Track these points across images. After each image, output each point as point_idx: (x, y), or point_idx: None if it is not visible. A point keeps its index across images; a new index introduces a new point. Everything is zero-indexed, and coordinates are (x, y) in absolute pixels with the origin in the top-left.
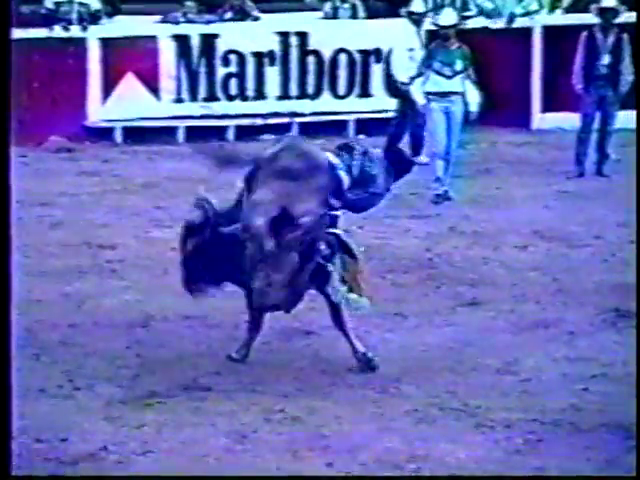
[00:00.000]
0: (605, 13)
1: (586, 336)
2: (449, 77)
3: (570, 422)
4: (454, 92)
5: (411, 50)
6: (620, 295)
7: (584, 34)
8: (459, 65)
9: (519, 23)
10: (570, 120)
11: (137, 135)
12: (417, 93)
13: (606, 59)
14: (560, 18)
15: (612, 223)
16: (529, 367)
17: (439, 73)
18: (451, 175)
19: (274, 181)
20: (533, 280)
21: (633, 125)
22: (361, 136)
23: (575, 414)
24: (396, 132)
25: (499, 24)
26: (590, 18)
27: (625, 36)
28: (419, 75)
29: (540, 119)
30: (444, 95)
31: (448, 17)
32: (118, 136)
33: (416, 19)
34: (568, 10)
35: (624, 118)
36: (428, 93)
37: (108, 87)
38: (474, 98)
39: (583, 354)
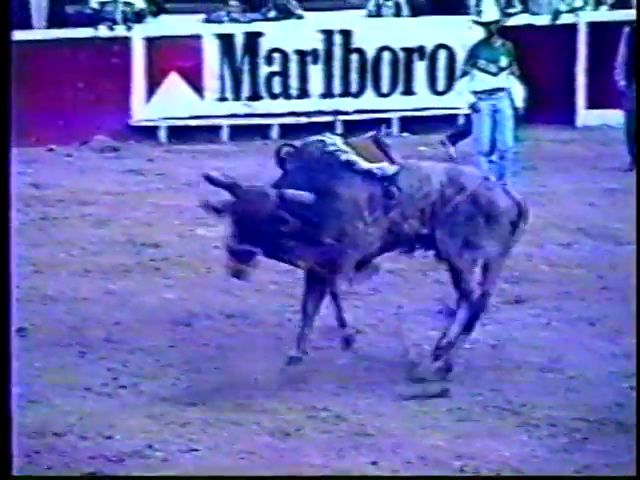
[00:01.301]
0: None
1: (631, 333)
2: (494, 74)
3: (615, 420)
4: (500, 89)
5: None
6: None
7: (626, 30)
8: (504, 61)
9: (564, 19)
10: (615, 116)
11: (181, 134)
12: (466, 92)
13: None
14: (605, 14)
15: None
16: (574, 365)
17: (484, 70)
18: (506, 174)
19: None
20: (577, 277)
21: None
22: (405, 134)
23: (620, 412)
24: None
25: (544, 21)
26: (635, 14)
27: None
28: (464, 74)
29: (585, 115)
30: (491, 92)
31: (490, 13)
32: (162, 135)
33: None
34: (613, 6)
35: None
36: (475, 92)
37: (152, 86)
38: (519, 93)
39: (628, 351)
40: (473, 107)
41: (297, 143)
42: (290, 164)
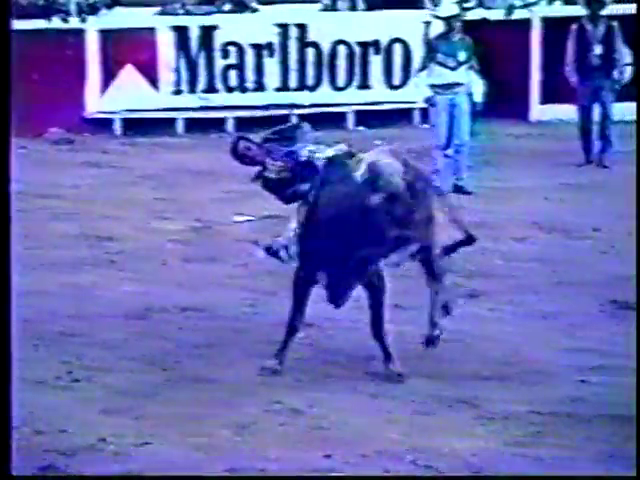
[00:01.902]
0: (592, 4)
1: (585, 327)
2: (453, 68)
3: (569, 413)
4: (458, 83)
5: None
6: (619, 286)
7: (574, 26)
8: (462, 56)
9: (518, 15)
10: (569, 112)
11: (136, 126)
12: (424, 86)
13: (598, 49)
14: (559, 10)
15: (611, 214)
16: (528, 358)
17: (443, 65)
18: (462, 168)
19: None
20: (532, 271)
21: (631, 117)
22: (360, 128)
23: (574, 405)
24: None
25: (498, 15)
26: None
27: (616, 24)
28: (423, 68)
29: (539, 110)
30: (449, 87)
31: (448, 8)
32: (117, 127)
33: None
34: (567, 1)
35: (623, 110)
36: (433, 86)
37: (107, 78)
38: (478, 88)
39: (582, 345)
40: (429, 101)
41: (253, 137)
42: None
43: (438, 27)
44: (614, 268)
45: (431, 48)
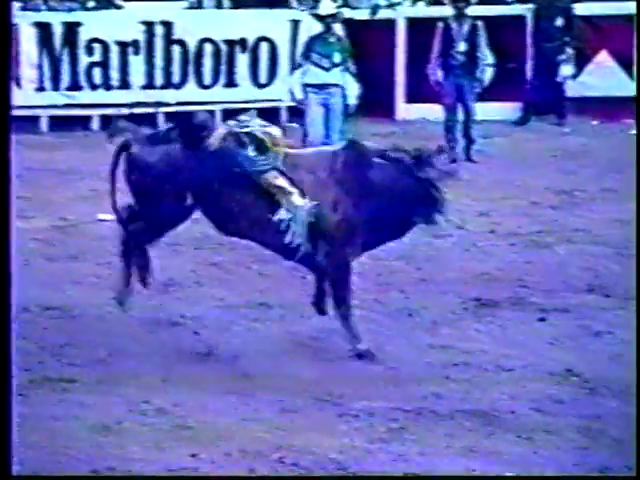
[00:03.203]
0: (458, 2)
1: (448, 324)
2: (327, 69)
3: (431, 410)
4: (332, 84)
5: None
6: (481, 284)
7: (440, 25)
8: (337, 57)
9: (383, 14)
10: (434, 111)
11: None
12: (295, 86)
13: (462, 47)
14: (422, 10)
15: (474, 213)
16: (393, 356)
17: (317, 65)
18: None
19: None
20: (397, 269)
21: (494, 117)
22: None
23: (436, 402)
24: None
25: (363, 15)
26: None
27: (480, 24)
28: (298, 66)
29: (404, 109)
30: (322, 87)
31: (326, 7)
32: None
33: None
34: (430, 2)
35: (486, 110)
36: (307, 85)
37: None
38: (353, 91)
39: (445, 342)
40: (300, 103)
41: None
42: None
43: (307, 26)
44: (476, 266)
45: (307, 47)
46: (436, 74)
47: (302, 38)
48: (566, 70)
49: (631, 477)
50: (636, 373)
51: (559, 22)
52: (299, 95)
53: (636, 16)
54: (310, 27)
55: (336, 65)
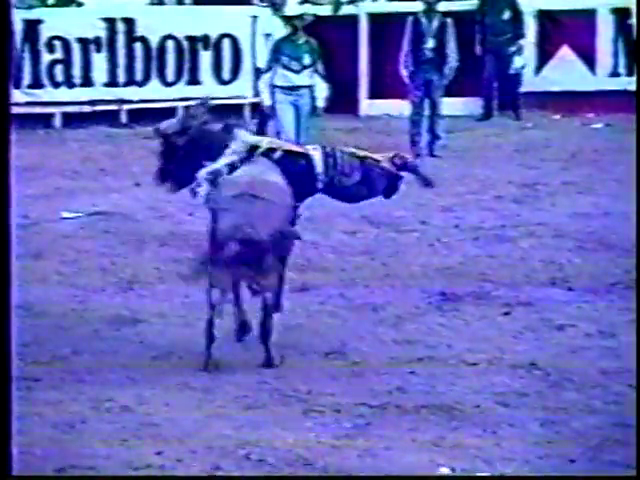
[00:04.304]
0: None
1: (412, 319)
2: (297, 71)
3: (396, 405)
4: (302, 86)
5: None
6: (445, 279)
7: (410, 19)
8: (307, 59)
9: (345, 11)
10: (397, 107)
11: None
12: (265, 90)
13: (431, 43)
14: (384, 6)
15: (437, 208)
16: (357, 351)
17: (287, 67)
18: None
19: None
20: (362, 265)
21: (458, 112)
22: None
23: (401, 397)
24: None
25: (326, 11)
26: (415, 6)
27: (449, 20)
28: (268, 69)
29: (367, 105)
30: (292, 89)
31: (293, 8)
32: None
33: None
34: None
35: (450, 105)
36: (277, 87)
37: None
38: (322, 92)
39: (410, 337)
40: (271, 107)
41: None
42: None
43: (266, 22)
44: (440, 260)
45: (276, 49)
46: (406, 69)
47: (260, 33)
48: (518, 62)
49: (631, 477)
50: (636, 373)
51: (506, 15)
52: (268, 102)
53: (636, 16)
54: (271, 23)
55: (306, 67)
